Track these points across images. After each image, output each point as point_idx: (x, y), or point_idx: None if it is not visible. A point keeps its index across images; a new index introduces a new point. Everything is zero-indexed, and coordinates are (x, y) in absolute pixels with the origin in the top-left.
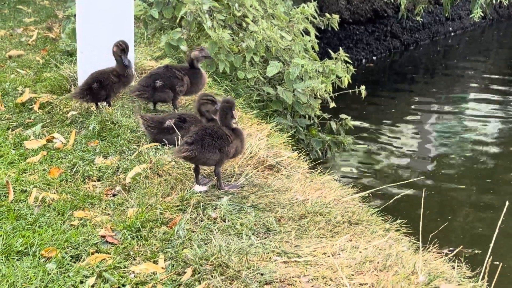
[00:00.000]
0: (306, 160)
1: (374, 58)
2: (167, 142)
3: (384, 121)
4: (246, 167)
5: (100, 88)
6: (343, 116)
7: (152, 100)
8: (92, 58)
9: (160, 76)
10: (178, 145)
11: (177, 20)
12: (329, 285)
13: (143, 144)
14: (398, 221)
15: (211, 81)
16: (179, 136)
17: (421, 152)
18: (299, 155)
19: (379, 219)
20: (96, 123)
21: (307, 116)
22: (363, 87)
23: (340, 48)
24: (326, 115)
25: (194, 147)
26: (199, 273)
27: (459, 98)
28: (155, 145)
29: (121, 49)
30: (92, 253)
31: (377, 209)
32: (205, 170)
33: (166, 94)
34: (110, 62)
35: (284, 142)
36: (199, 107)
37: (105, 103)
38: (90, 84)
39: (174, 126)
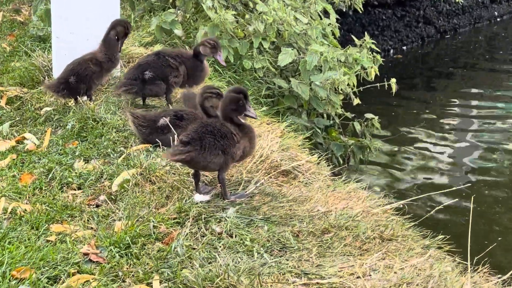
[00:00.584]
0: (328, 165)
1: (404, 48)
2: (161, 143)
3: (416, 122)
4: (256, 173)
5: (78, 81)
6: (369, 115)
7: (141, 95)
8: (70, 44)
9: (149, 66)
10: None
11: None
12: None
13: (132, 145)
14: (440, 236)
15: (212, 71)
16: (175, 136)
17: (461, 160)
18: (319, 159)
19: (416, 234)
20: (75, 120)
21: (325, 115)
22: (393, 80)
23: (366, 34)
24: (349, 114)
25: (191, 148)
26: None
27: (505, 97)
28: (147, 147)
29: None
30: (73, 274)
31: (413, 223)
32: (207, 176)
33: (157, 86)
34: (92, 47)
35: (299, 145)
36: (202, 102)
37: (85, 98)
38: (66, 78)
39: (169, 125)
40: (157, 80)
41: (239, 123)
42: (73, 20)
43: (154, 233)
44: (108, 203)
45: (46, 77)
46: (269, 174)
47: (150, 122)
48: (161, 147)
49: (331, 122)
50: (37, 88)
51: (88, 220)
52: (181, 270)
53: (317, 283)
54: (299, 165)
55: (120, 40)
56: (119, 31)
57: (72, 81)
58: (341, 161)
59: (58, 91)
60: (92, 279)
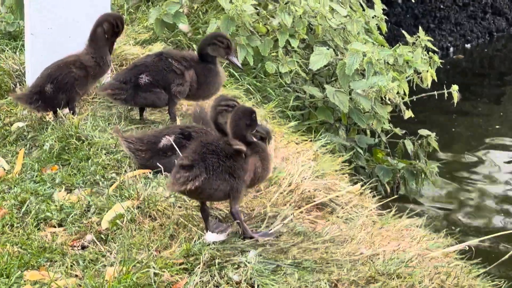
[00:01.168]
0: (373, 196)
1: (468, 45)
2: (163, 168)
3: (482, 141)
4: (284, 206)
5: (57, 90)
6: (424, 132)
7: (132, 103)
8: (49, 42)
9: (147, 69)
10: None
11: None
12: None
13: (126, 171)
14: None
15: (226, 76)
16: None
17: None
18: (363, 188)
19: (487, 285)
20: (54, 139)
21: (369, 131)
22: (454, 87)
23: (420, 28)
24: (398, 131)
25: (198, 172)
26: None
27: None
28: (145, 173)
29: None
30: None
31: (483, 269)
32: (221, 210)
33: (155, 95)
34: (77, 47)
35: (337, 170)
36: (215, 117)
37: (67, 111)
38: (41, 86)
39: (174, 145)
40: (156, 87)
41: (251, 141)
42: (52, 12)
43: (155, 282)
44: (97, 244)
45: (18, 84)
46: (299, 207)
47: (150, 145)
48: (163, 173)
49: (376, 140)
50: (6, 98)
51: (71, 266)
52: None
53: None
54: (338, 197)
55: (109, 39)
56: (107, 29)
57: (48, 90)
58: (388, 190)
59: (31, 103)
60: None
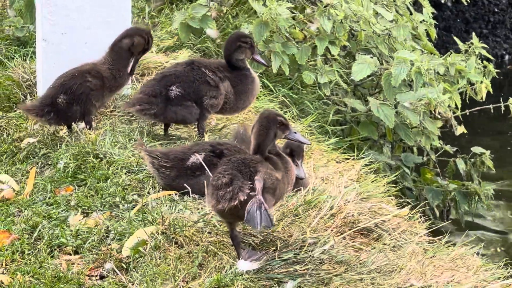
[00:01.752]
0: (423, 221)
1: None
2: (190, 190)
3: None
4: (325, 232)
5: (71, 102)
6: (477, 149)
7: (162, 119)
8: (63, 49)
9: (178, 80)
10: (208, 193)
11: None
12: None
13: (149, 192)
14: None
15: (260, 86)
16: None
17: None
18: (412, 212)
19: None
20: (69, 157)
21: (415, 148)
22: None
23: (473, 34)
24: (449, 148)
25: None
26: None
27: None
28: (170, 194)
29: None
30: None
31: None
32: (255, 236)
33: (186, 109)
34: (93, 55)
35: (383, 192)
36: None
37: (83, 125)
38: (53, 97)
39: (203, 164)
40: (187, 100)
41: (278, 152)
42: (66, 16)
43: None
44: (117, 274)
45: (28, 96)
46: (342, 233)
47: (176, 162)
48: (191, 194)
49: (425, 158)
50: (16, 110)
51: None
52: None
53: None
54: (384, 221)
55: (135, 56)
56: (136, 43)
57: (62, 102)
58: (438, 213)
59: (42, 115)
60: None
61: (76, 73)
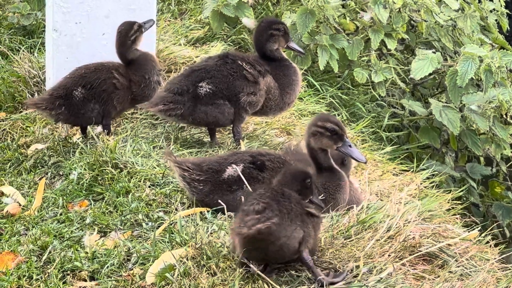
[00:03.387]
0: (495, 245)
1: None
2: (226, 207)
3: None
4: (381, 257)
5: (89, 98)
6: None
7: (191, 119)
8: (77, 41)
9: (208, 75)
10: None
11: None
12: None
13: (177, 209)
14: None
15: (303, 85)
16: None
17: None
18: (482, 235)
19: None
20: (84, 167)
21: (483, 158)
22: None
23: None
24: None
25: (271, 214)
26: None
27: None
28: (202, 212)
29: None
30: None
31: None
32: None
33: (218, 109)
34: (112, 48)
35: (447, 210)
36: (308, 139)
37: (99, 128)
38: (69, 89)
39: (242, 177)
40: (219, 98)
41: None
42: (80, 2)
43: None
44: None
45: (36, 94)
46: (401, 259)
47: (211, 174)
48: (226, 212)
49: (494, 170)
50: (22, 112)
51: None
52: None
53: None
54: (450, 245)
55: None
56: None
57: (78, 95)
58: (508, 233)
59: (51, 109)
60: None
61: (100, 67)
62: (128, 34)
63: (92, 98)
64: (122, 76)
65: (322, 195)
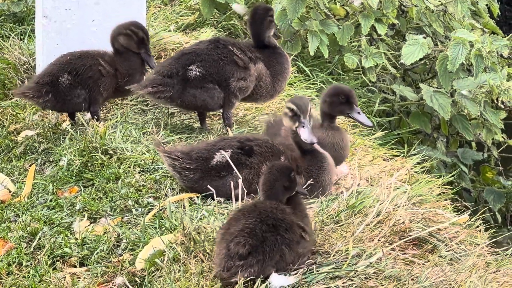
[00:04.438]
0: (485, 230)
1: None
2: (215, 193)
3: None
4: (371, 242)
5: (75, 84)
6: None
7: (179, 102)
8: (66, 27)
9: (199, 58)
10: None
11: None
12: None
13: (167, 194)
14: None
15: (294, 71)
16: (240, 181)
17: None
18: (472, 219)
19: None
20: (73, 153)
21: (474, 143)
22: None
23: None
24: None
25: (253, 261)
26: None
27: None
28: (191, 197)
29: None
30: None
31: None
32: None
33: (207, 93)
34: (102, 36)
35: (437, 195)
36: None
37: (88, 115)
38: (54, 76)
39: (230, 163)
40: (209, 82)
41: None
42: None
43: None
44: None
45: (26, 81)
46: (391, 243)
47: (200, 162)
48: (215, 197)
49: (485, 155)
50: (12, 98)
51: None
52: None
53: None
54: (440, 230)
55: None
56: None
57: (64, 82)
58: (499, 219)
59: (38, 96)
60: None
61: (86, 54)
62: None
63: (78, 85)
64: (108, 63)
65: (311, 179)
